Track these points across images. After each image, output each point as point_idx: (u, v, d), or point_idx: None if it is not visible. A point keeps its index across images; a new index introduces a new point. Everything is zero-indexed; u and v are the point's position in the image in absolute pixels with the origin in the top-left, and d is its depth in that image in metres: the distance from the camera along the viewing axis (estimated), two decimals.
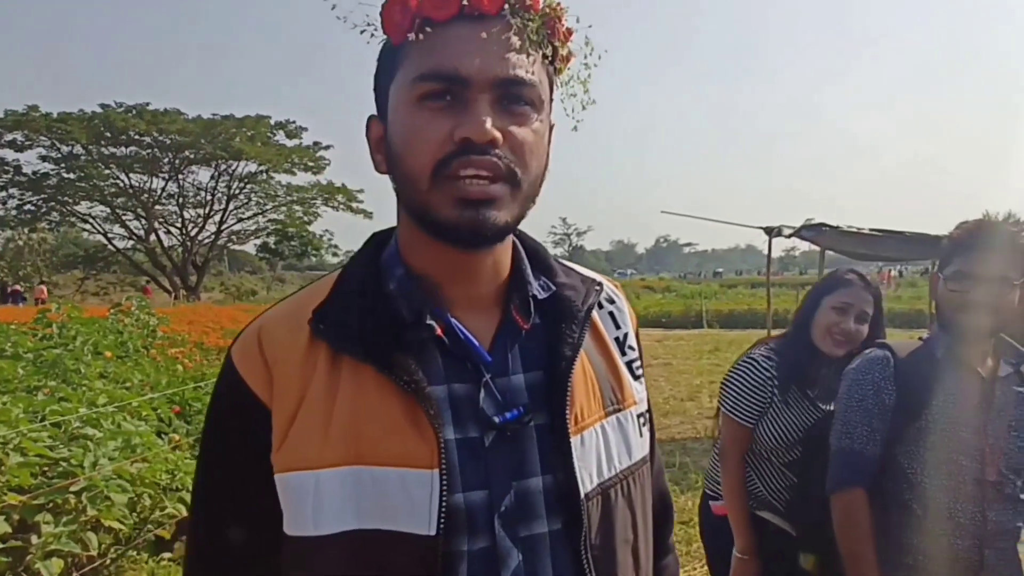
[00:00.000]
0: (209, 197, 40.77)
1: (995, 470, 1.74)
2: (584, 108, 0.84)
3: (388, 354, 0.77)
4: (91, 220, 39.48)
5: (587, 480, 0.82)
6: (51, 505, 3.10)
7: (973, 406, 1.78)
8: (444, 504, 0.74)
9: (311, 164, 40.34)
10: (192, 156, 38.32)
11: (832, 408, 2.06)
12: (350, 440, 0.75)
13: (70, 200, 38.24)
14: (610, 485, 0.86)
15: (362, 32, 0.79)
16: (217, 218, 41.40)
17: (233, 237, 44.16)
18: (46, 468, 3.27)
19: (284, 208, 42.99)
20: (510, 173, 0.75)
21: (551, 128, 0.86)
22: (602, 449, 0.86)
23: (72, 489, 3.12)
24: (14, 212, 37.62)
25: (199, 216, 41.39)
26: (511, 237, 0.88)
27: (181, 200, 40.64)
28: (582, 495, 0.81)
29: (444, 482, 0.74)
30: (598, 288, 0.94)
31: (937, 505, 1.76)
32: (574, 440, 0.82)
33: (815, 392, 2.17)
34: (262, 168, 39.71)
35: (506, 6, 0.76)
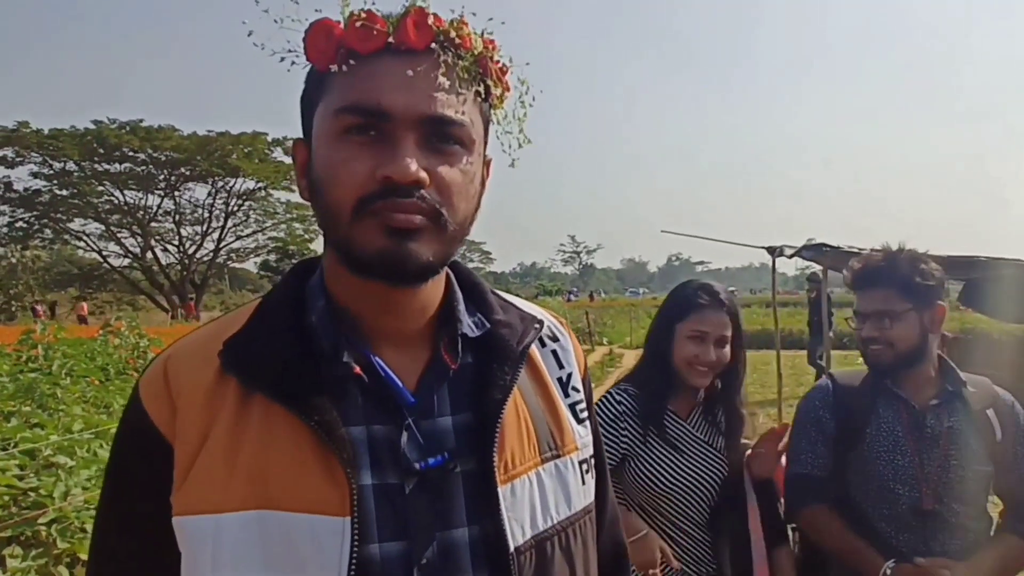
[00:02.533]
0: (206, 214, 41.15)
1: (933, 498, 1.80)
2: (520, 146, 0.84)
3: (301, 392, 0.74)
4: (85, 238, 39.83)
5: (518, 532, 0.80)
6: (22, 537, 3.12)
7: (905, 436, 1.86)
8: (355, 555, 0.71)
9: None
10: (188, 173, 38.67)
11: (713, 448, 1.98)
12: (256, 482, 0.72)
13: (63, 217, 38.59)
14: (546, 537, 0.83)
15: (282, 60, 0.78)
16: (215, 235, 41.75)
17: (232, 255, 44.44)
18: (18, 497, 3.29)
19: (284, 226, 43.30)
20: (435, 214, 0.74)
21: (488, 163, 0.85)
22: (536, 499, 0.83)
23: (41, 521, 3.12)
24: (5, 229, 37.99)
25: (196, 233, 41.75)
26: (443, 273, 0.86)
27: (178, 217, 40.99)
28: (511, 548, 0.78)
29: (356, 531, 0.71)
30: (537, 326, 0.91)
31: (878, 533, 1.84)
32: (503, 489, 0.79)
33: (687, 422, 2.00)
34: (260, 185, 40.03)
35: (434, 43, 0.75)
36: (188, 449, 0.75)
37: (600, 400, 2.01)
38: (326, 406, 0.74)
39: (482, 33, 0.79)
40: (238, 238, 43.21)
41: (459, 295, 0.88)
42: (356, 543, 0.72)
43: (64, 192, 37.67)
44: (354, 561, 0.71)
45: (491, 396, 0.82)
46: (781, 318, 10.37)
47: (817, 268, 8.85)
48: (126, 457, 0.81)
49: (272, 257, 44.75)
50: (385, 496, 0.76)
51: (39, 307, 28.71)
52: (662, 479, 1.92)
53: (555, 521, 0.84)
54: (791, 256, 7.40)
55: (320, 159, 0.77)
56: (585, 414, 0.95)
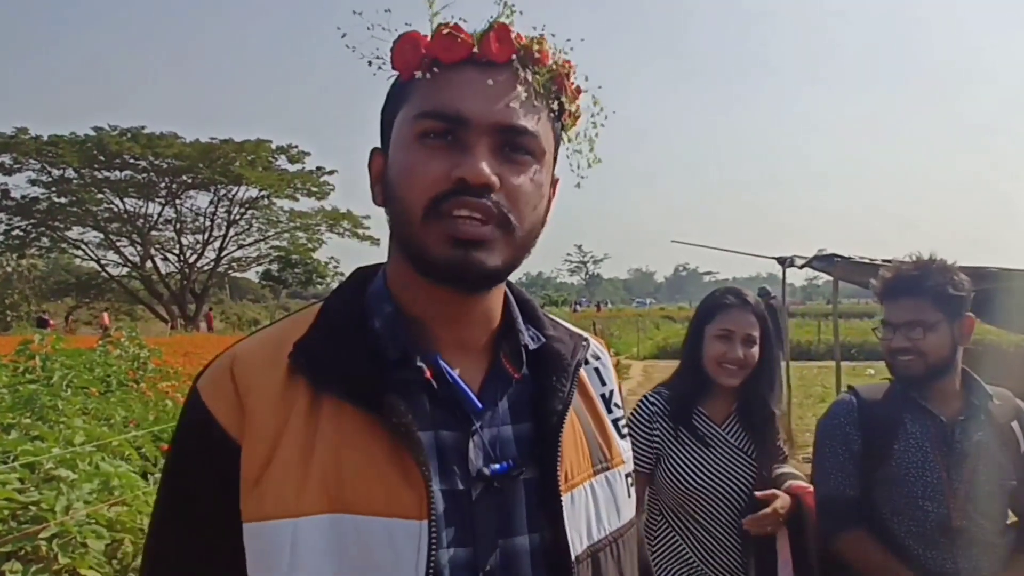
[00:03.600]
0: (208, 223, 41.16)
1: (961, 515, 1.79)
2: (590, 166, 0.87)
3: (374, 394, 0.75)
4: (83, 246, 39.84)
5: (577, 541, 0.81)
6: (21, 552, 3.10)
7: (934, 451, 1.84)
8: (432, 559, 0.72)
9: (315, 190, 40.67)
10: (190, 181, 38.74)
11: (743, 450, 2.03)
12: (331, 485, 0.73)
13: (61, 225, 38.60)
14: (600, 548, 0.85)
15: (370, 64, 0.83)
16: (216, 244, 41.73)
17: (234, 264, 44.43)
18: (18, 512, 3.28)
19: (287, 235, 43.32)
20: (503, 219, 0.77)
21: (555, 183, 0.88)
22: (591, 509, 0.86)
23: (42, 535, 3.10)
24: (2, 238, 37.87)
25: (197, 242, 41.74)
26: (503, 285, 0.88)
27: (179, 226, 41.02)
28: (572, 557, 0.79)
29: (433, 535, 0.72)
30: (585, 344, 0.95)
31: (906, 551, 1.82)
32: (564, 498, 0.81)
33: (721, 427, 2.05)
34: (263, 193, 40.07)
35: (515, 57, 0.79)
36: (260, 450, 0.75)
37: (636, 405, 2.11)
38: (400, 409, 0.75)
39: (560, 52, 0.83)
40: (240, 247, 43.21)
41: (516, 309, 0.91)
42: (433, 548, 0.72)
43: (63, 200, 37.69)
44: (431, 566, 0.72)
45: (552, 407, 0.84)
46: (789, 328, 10.36)
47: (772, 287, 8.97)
48: (188, 457, 0.81)
49: (274, 267, 44.81)
50: (453, 501, 0.77)
51: (47, 316, 28.65)
52: (691, 477, 1.97)
53: (608, 532, 0.87)
54: (802, 266, 7.42)
55: (396, 162, 0.80)
56: (626, 430, 0.99)
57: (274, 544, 0.72)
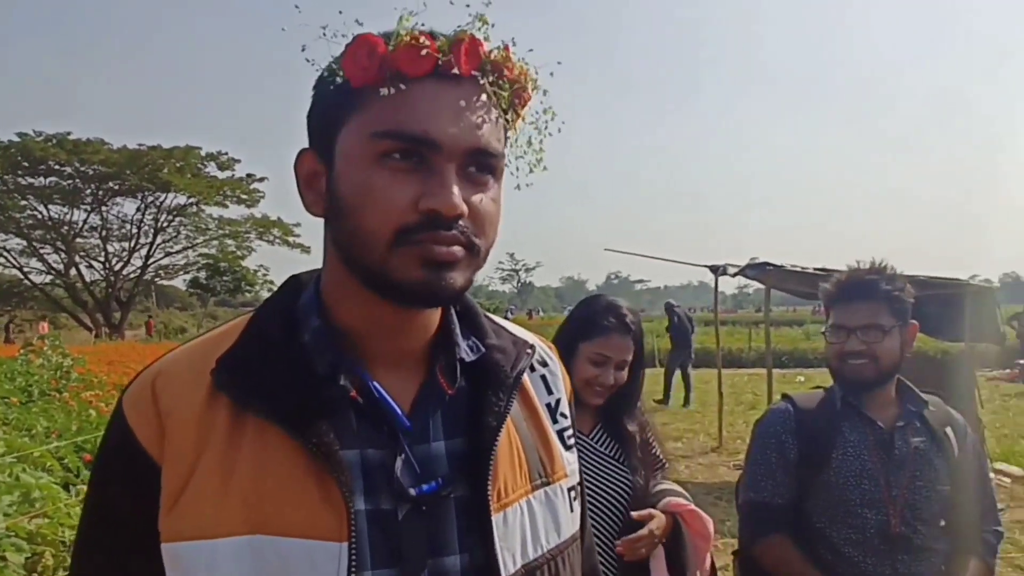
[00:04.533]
0: (135, 230, 39.73)
1: (900, 521, 1.80)
2: (532, 171, 0.84)
3: (297, 413, 0.73)
4: (5, 254, 37.93)
5: (509, 561, 0.80)
6: None
7: (873, 458, 1.85)
8: None
9: (244, 197, 39.69)
10: (116, 187, 37.33)
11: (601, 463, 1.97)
12: (251, 506, 0.71)
13: None
14: (536, 566, 0.83)
15: (320, 71, 0.78)
16: (143, 252, 40.28)
17: (160, 272, 43.02)
18: None
19: (216, 242, 42.10)
20: (471, 244, 0.75)
21: None
22: (527, 527, 0.83)
23: None
24: None
25: (124, 250, 40.21)
26: None
27: (104, 233, 39.46)
28: None
29: (353, 557, 0.71)
30: (529, 351, 0.91)
31: (845, 558, 1.83)
32: (496, 517, 0.79)
33: (589, 436, 1.99)
34: (192, 200, 38.93)
35: (479, 70, 0.75)
36: (178, 471, 0.73)
37: None
38: (324, 428, 0.73)
39: (521, 60, 0.80)
40: (167, 255, 41.83)
41: (455, 318, 0.88)
42: (353, 569, 0.71)
43: None
44: None
45: (486, 423, 0.82)
46: (720, 336, 10.63)
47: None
48: (109, 477, 0.79)
49: (202, 274, 43.49)
50: (378, 522, 0.75)
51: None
52: None
53: (545, 550, 0.85)
54: (735, 275, 7.62)
55: (350, 181, 0.75)
56: (572, 440, 0.96)
57: (191, 566, 0.70)
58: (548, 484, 0.88)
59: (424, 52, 0.72)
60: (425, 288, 0.73)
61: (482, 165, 0.76)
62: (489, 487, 0.79)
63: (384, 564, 0.74)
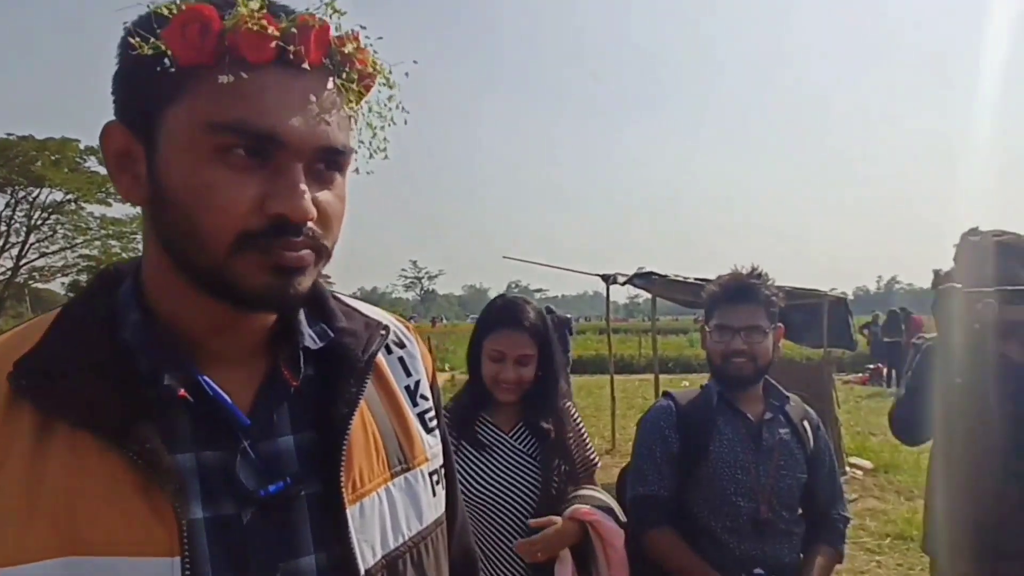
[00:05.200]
0: (4, 228, 36.82)
1: (768, 508, 1.95)
2: (372, 157, 0.78)
3: (115, 419, 0.66)
4: None
5: (368, 554, 0.77)
6: None
7: (745, 449, 2.00)
8: None
9: None
10: None
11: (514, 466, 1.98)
12: (63, 525, 0.63)
13: None
14: (397, 555, 0.80)
15: (143, 51, 0.65)
16: (14, 252, 37.41)
17: (35, 274, 39.82)
18: None
19: (98, 243, 39.49)
20: (319, 246, 0.71)
21: None
22: (387, 516, 0.81)
23: None
24: None
25: None
26: None
27: None
28: (362, 572, 0.75)
29: (188, 571, 0.65)
30: (383, 332, 0.87)
31: (722, 545, 1.96)
32: (351, 510, 0.76)
33: (509, 434, 2.02)
34: (70, 197, 36.57)
35: (327, 59, 0.70)
36: None
37: None
38: (146, 433, 0.66)
39: (368, 47, 0.74)
40: (42, 255, 38.66)
41: None
42: None
43: None
44: None
45: (336, 412, 0.77)
46: (613, 344, 11.10)
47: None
48: None
49: (83, 277, 40.71)
50: (220, 529, 0.69)
51: None
52: (471, 484, 1.93)
53: (407, 538, 0.82)
54: (623, 283, 7.96)
55: (180, 173, 0.67)
56: (434, 423, 0.93)
57: None
58: (408, 470, 0.85)
59: (271, 40, 0.65)
60: (271, 295, 0.69)
61: (331, 163, 0.71)
62: (342, 479, 0.75)
63: (228, 573, 0.68)
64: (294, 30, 0.66)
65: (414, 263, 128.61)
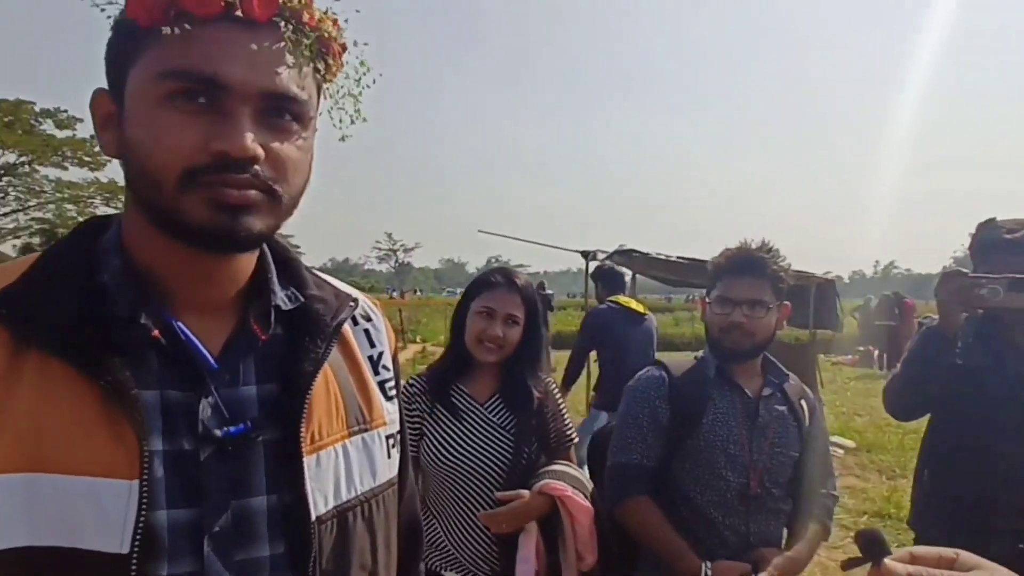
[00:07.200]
0: None
1: (758, 484, 1.95)
2: (353, 123, 0.85)
3: (88, 350, 0.72)
4: None
5: (320, 502, 0.82)
6: None
7: (739, 424, 1.98)
8: (142, 520, 0.70)
9: (87, 159, 36.78)
10: None
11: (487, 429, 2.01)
12: (27, 443, 0.69)
13: None
14: (348, 508, 0.86)
15: (102, 10, 0.75)
16: None
17: None
18: None
19: (52, 206, 38.85)
20: (268, 189, 0.75)
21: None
22: (342, 470, 0.86)
23: None
24: None
25: None
26: None
27: None
28: (313, 518, 0.81)
29: (145, 496, 0.70)
30: (352, 304, 0.95)
31: (707, 519, 1.95)
32: (308, 459, 0.82)
33: (483, 405, 2.05)
34: (23, 159, 35.74)
35: (278, 17, 0.75)
36: None
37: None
38: (115, 365, 0.72)
39: (327, 11, 0.80)
40: None
41: (272, 268, 0.89)
42: (145, 508, 0.70)
43: None
44: (140, 527, 0.70)
45: (302, 368, 0.84)
46: None
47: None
48: None
49: (36, 240, 40.00)
50: (177, 462, 0.75)
51: None
52: (443, 451, 1.97)
53: (359, 492, 0.88)
54: (603, 260, 7.87)
55: (138, 122, 0.74)
56: (393, 392, 1.01)
57: None
58: (366, 431, 0.92)
59: None
60: (216, 231, 0.73)
61: (281, 109, 0.75)
62: (303, 430, 0.81)
63: (182, 504, 0.74)
64: None
65: (389, 235, 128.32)
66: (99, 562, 0.69)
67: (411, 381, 2.10)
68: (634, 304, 5.03)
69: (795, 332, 10.31)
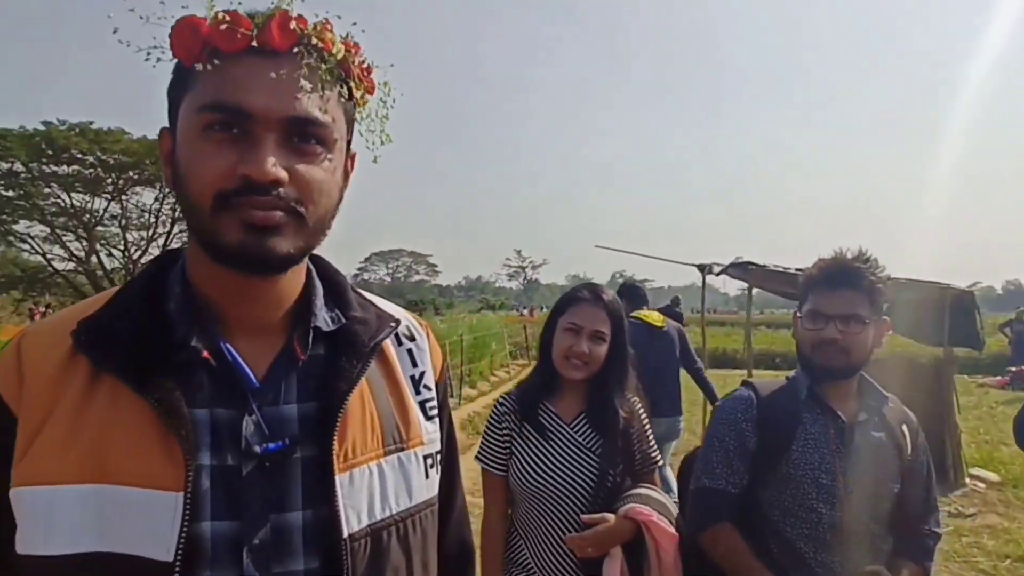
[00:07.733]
0: (153, 219, 39.94)
1: (853, 518, 1.70)
2: (382, 143, 0.86)
3: (146, 373, 0.76)
4: (30, 240, 38.17)
5: (354, 519, 0.82)
6: None
7: (832, 451, 1.73)
8: (185, 530, 0.73)
9: None
10: (136, 177, 37.34)
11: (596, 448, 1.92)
12: (96, 458, 0.74)
13: (8, 218, 36.92)
14: (383, 527, 0.85)
15: (147, 57, 0.78)
16: (161, 241, 40.48)
17: None
18: None
19: None
20: (293, 211, 0.77)
21: (352, 157, 0.88)
22: (376, 488, 0.86)
23: None
24: None
25: (142, 238, 40.23)
26: (303, 266, 0.88)
27: (124, 222, 39.52)
28: (345, 535, 0.80)
29: (188, 507, 0.73)
30: (393, 324, 0.96)
31: (796, 553, 1.71)
32: (341, 477, 0.82)
33: (570, 425, 1.96)
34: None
35: (298, 46, 0.78)
36: (32, 422, 0.76)
37: (491, 408, 2.04)
38: (169, 386, 0.76)
39: (346, 36, 0.82)
40: (185, 244, 42.03)
41: (319, 289, 0.91)
42: (187, 519, 0.73)
43: (10, 193, 35.96)
44: (183, 536, 0.73)
45: (337, 387, 0.85)
46: (718, 337, 10.51)
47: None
48: None
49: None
50: (221, 477, 0.77)
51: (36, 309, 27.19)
52: (531, 471, 1.89)
53: (394, 512, 0.87)
54: (718, 274, 7.48)
55: (183, 152, 0.79)
56: (435, 412, 0.99)
57: (31, 510, 0.73)
58: (403, 450, 0.90)
59: (238, 32, 0.75)
60: (246, 251, 0.76)
61: (306, 134, 0.78)
62: (334, 447, 0.82)
63: (224, 516, 0.77)
64: (262, 22, 0.76)
65: (518, 252, 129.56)
66: (148, 568, 0.72)
67: (501, 400, 2.05)
68: (653, 318, 5.02)
69: (930, 350, 9.27)
